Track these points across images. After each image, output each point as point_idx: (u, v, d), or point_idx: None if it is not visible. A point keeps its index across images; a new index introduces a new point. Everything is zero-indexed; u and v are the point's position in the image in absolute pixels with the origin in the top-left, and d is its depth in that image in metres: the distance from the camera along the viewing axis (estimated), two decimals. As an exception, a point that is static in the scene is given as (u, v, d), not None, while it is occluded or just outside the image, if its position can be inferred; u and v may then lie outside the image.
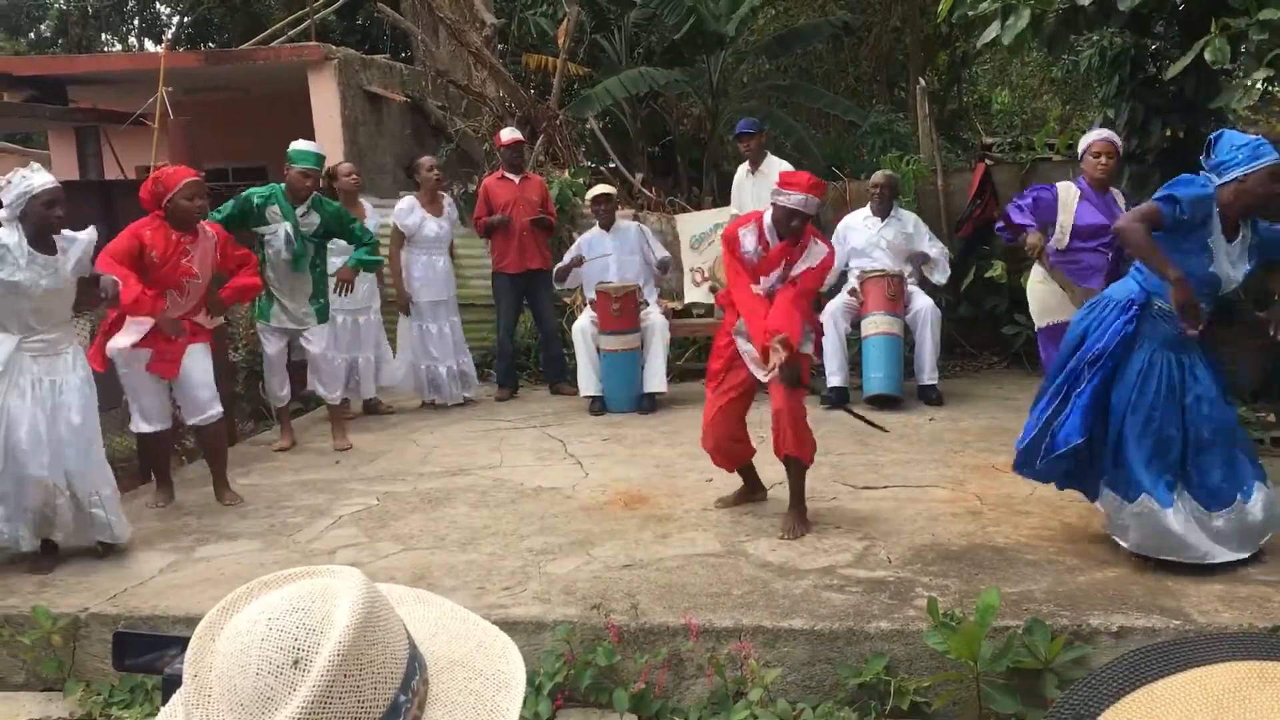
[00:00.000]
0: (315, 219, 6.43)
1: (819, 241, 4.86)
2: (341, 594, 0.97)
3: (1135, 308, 4.09)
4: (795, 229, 4.72)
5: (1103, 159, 5.52)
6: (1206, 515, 4.03)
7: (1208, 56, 5.13)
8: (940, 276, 7.52)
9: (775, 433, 4.78)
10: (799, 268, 4.78)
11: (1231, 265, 4.00)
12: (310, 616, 0.94)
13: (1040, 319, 5.74)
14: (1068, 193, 5.55)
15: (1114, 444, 4.09)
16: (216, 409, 5.59)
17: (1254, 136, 4.01)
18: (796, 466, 4.82)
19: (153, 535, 5.15)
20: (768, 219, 4.81)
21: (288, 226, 6.33)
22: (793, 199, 4.64)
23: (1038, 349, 6.01)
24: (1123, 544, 4.14)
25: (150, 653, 1.28)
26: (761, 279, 4.82)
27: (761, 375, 4.76)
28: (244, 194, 6.41)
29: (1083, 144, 5.63)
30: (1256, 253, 4.07)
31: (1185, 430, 4.06)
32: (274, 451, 6.73)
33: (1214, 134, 4.06)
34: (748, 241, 4.82)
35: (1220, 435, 4.07)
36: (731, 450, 5.07)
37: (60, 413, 4.59)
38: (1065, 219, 5.51)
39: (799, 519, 4.79)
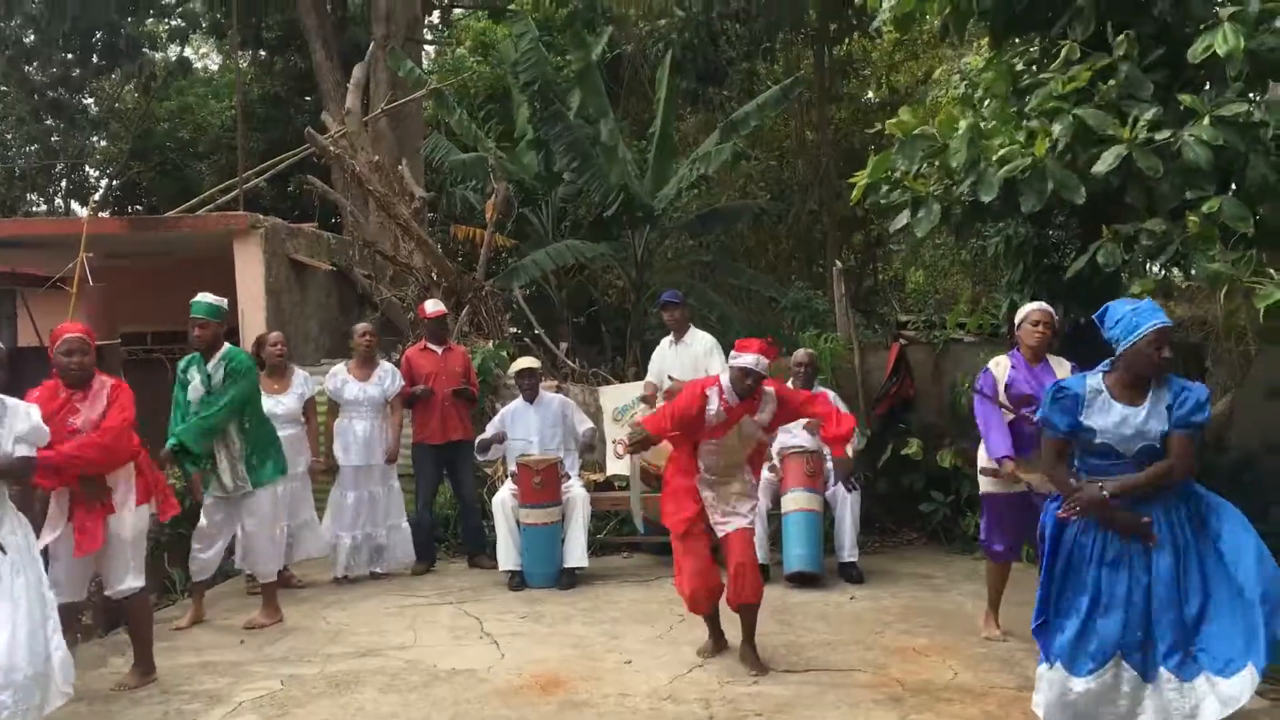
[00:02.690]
0: (222, 372, 6.30)
1: (767, 388, 5.41)
2: None
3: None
4: (750, 388, 5.29)
5: (1040, 327, 5.62)
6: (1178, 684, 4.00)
7: (1100, 259, 5.45)
8: (851, 449, 7.55)
9: (735, 584, 5.35)
10: (761, 417, 5.43)
11: (1125, 430, 4.11)
12: None
13: (983, 485, 5.78)
14: (998, 368, 5.68)
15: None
16: (128, 583, 5.35)
17: (1134, 304, 4.20)
18: (751, 610, 5.42)
19: (37, 724, 4.84)
20: (725, 381, 5.37)
21: (197, 379, 6.26)
22: (746, 359, 5.24)
23: (981, 513, 6.01)
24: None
25: None
26: (716, 438, 5.43)
27: (724, 528, 5.47)
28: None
29: (1021, 313, 5.75)
30: (1173, 413, 4.16)
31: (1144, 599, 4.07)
32: (173, 629, 6.42)
33: (1102, 309, 4.27)
34: (713, 404, 5.35)
35: (1173, 603, 4.06)
36: (715, 588, 5.54)
37: None
38: (1000, 393, 5.62)
39: (757, 655, 5.43)
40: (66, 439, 5.04)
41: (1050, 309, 5.80)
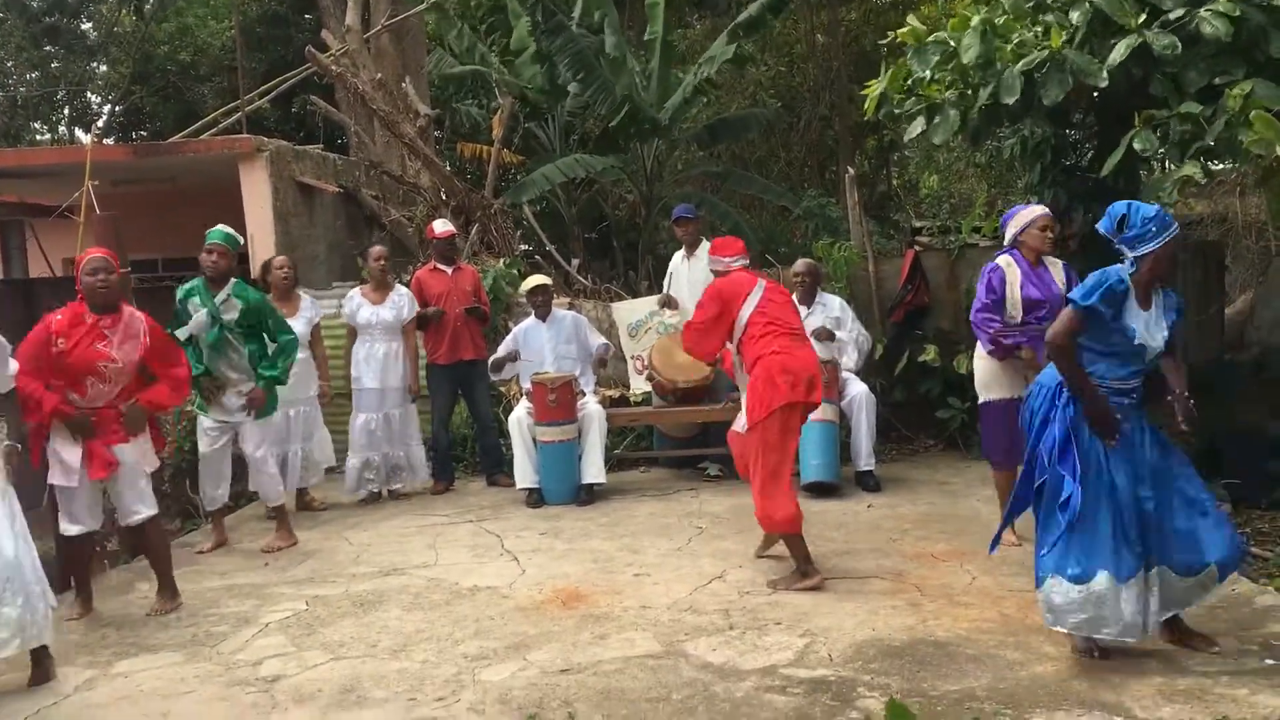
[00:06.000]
0: (236, 307, 6.30)
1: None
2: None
3: (1065, 391, 4.14)
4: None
5: (1049, 232, 5.53)
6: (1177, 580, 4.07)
7: (1137, 145, 5.30)
8: (848, 360, 7.47)
9: None
10: None
11: (1151, 333, 4.07)
12: None
13: (982, 394, 5.76)
14: (1010, 269, 5.57)
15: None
16: (142, 511, 5.40)
17: (1156, 207, 4.10)
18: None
19: (69, 649, 4.92)
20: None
21: (204, 313, 6.26)
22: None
23: (979, 423, 6.02)
24: (1068, 632, 4.11)
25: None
26: None
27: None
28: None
29: (1025, 219, 5.56)
30: (1171, 316, 4.14)
31: (1140, 500, 4.06)
32: (197, 554, 6.50)
33: (1118, 206, 4.09)
34: None
35: (1179, 503, 4.10)
36: None
37: None
38: (1013, 294, 5.53)
39: (786, 578, 5.30)
40: (99, 367, 5.13)
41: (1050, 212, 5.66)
